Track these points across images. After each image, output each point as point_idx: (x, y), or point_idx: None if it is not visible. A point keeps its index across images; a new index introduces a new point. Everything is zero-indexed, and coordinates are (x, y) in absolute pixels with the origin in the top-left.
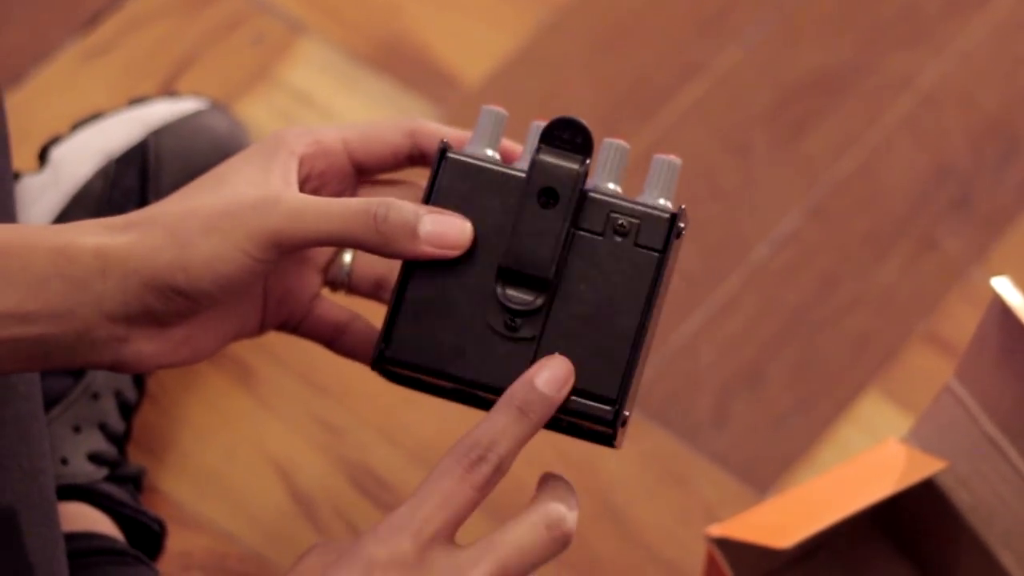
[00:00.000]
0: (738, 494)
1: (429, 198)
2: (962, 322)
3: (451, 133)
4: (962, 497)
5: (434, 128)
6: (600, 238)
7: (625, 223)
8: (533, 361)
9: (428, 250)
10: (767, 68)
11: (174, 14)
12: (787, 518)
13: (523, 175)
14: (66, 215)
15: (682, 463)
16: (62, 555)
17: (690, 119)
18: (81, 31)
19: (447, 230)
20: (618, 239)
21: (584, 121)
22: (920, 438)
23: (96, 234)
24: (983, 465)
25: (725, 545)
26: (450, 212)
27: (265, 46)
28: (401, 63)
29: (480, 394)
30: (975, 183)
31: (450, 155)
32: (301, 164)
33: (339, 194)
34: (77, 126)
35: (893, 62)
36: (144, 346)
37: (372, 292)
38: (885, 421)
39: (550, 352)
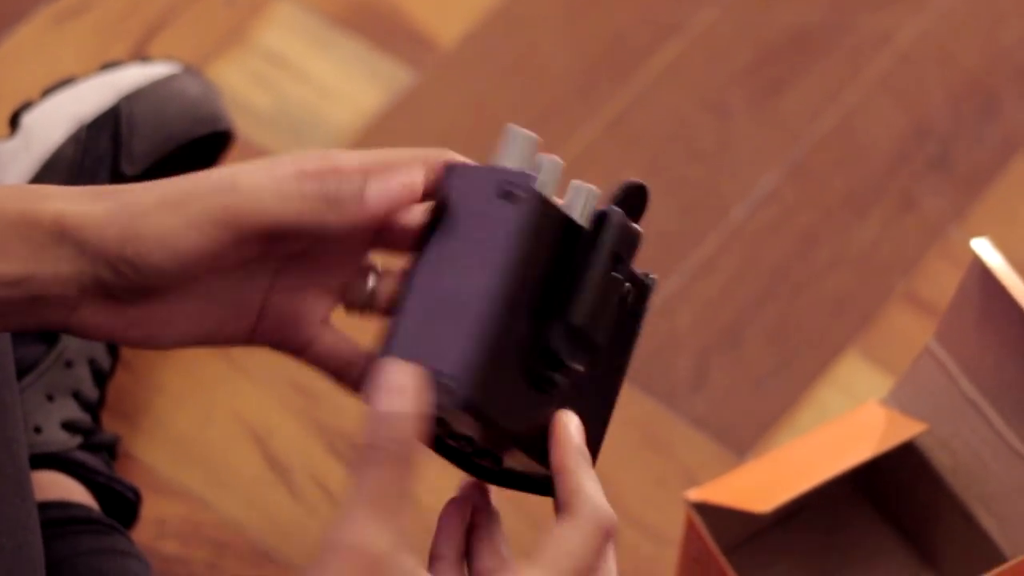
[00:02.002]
0: (717, 457)
1: (510, 249)
2: (941, 281)
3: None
4: (942, 459)
5: (451, 156)
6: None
7: (629, 287)
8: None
9: (377, 203)
10: (744, 27)
11: None
12: (766, 482)
13: (576, 224)
14: (38, 181)
15: (661, 427)
16: (36, 524)
17: (667, 79)
18: None
19: (389, 183)
20: (626, 303)
21: (648, 187)
22: (900, 400)
23: (59, 200)
24: (963, 427)
25: (704, 510)
26: (392, 170)
27: (238, 7)
28: (375, 24)
29: (502, 440)
30: (954, 142)
31: (538, 190)
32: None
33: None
34: (48, 92)
35: (871, 20)
36: (92, 317)
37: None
38: (864, 382)
39: (585, 413)
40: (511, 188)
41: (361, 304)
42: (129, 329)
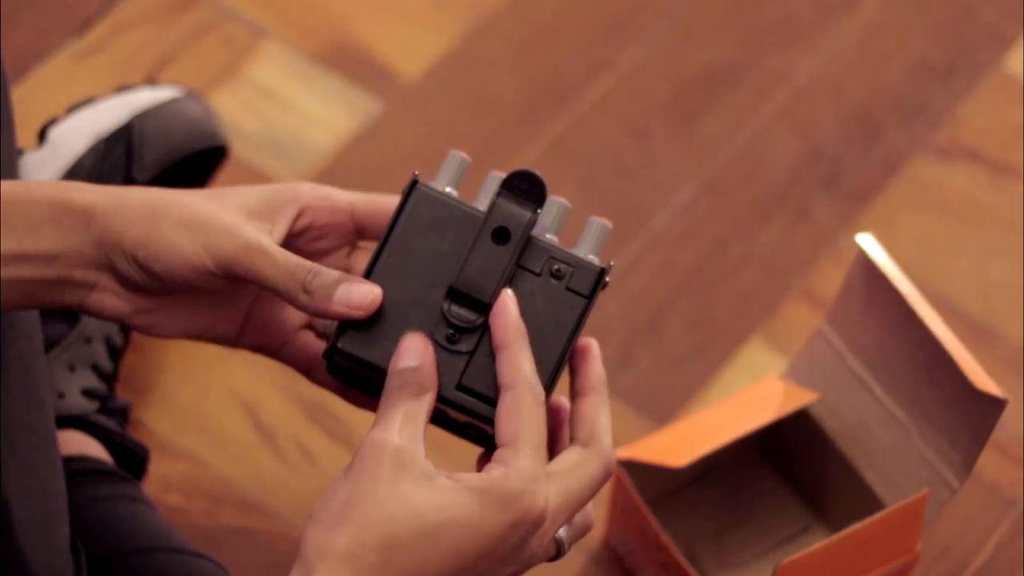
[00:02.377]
0: (640, 427)
1: (396, 222)
2: (831, 280)
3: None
4: (832, 424)
5: None
6: (538, 277)
7: (561, 268)
8: (464, 371)
9: (339, 309)
10: (665, 65)
11: (155, 20)
12: (683, 442)
13: (481, 213)
14: None
15: None
16: (61, 473)
17: (599, 109)
18: (75, 34)
19: (351, 295)
20: (553, 281)
21: (541, 176)
22: (796, 374)
23: (92, 193)
24: (849, 396)
25: (630, 466)
26: (362, 281)
27: (232, 47)
28: (349, 62)
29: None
30: (843, 163)
31: (420, 186)
32: (303, 214)
33: (337, 252)
34: (71, 109)
35: (773, 59)
36: (107, 298)
37: None
38: (766, 364)
39: (480, 365)
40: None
41: (323, 331)
42: (136, 315)
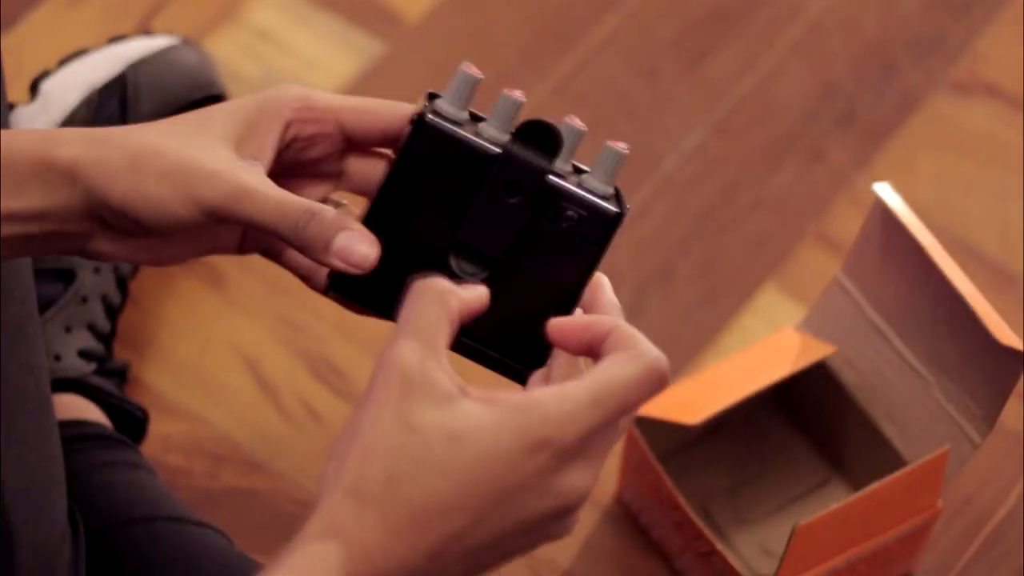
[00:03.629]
0: None
1: (401, 157)
2: (848, 223)
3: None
4: (849, 377)
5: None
6: (548, 222)
7: (573, 214)
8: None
9: (336, 263)
10: (672, 1)
11: None
12: (696, 398)
13: (493, 151)
14: None
15: None
16: (57, 439)
17: (606, 48)
18: None
19: (351, 253)
20: (564, 226)
21: (556, 124)
22: (812, 325)
23: (74, 145)
24: (868, 348)
25: (642, 423)
26: (362, 234)
27: None
28: (349, 3)
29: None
30: (858, 100)
31: (428, 119)
32: (288, 128)
33: (327, 157)
34: (64, 61)
35: None
36: (105, 245)
37: None
38: (781, 311)
39: (486, 317)
40: (411, 118)
41: None
42: (136, 253)
